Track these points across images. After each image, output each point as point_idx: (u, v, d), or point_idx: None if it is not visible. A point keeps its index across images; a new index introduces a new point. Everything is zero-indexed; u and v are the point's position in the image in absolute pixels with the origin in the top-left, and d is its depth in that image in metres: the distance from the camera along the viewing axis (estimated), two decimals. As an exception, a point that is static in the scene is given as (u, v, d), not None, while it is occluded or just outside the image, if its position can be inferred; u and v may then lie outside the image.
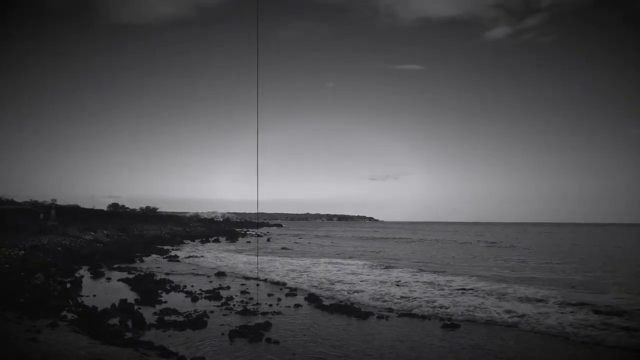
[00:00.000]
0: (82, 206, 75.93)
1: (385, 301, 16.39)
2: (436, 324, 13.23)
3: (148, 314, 13.31)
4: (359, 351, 10.65)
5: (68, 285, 17.88)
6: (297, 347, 10.88)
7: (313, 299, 16.74)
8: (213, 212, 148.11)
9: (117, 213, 78.41)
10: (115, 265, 25.74)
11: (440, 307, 15.02)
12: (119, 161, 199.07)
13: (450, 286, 19.19)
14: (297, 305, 15.69)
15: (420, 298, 16.52)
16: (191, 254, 35.22)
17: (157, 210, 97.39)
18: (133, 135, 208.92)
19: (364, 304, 16.10)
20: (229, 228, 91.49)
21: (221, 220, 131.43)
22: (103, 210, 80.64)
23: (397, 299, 16.60)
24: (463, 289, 18.38)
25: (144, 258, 31.11)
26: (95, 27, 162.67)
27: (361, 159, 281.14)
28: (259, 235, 74.57)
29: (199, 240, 56.58)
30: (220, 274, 23.63)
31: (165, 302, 15.59)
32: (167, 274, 23.29)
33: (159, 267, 26.32)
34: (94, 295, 16.29)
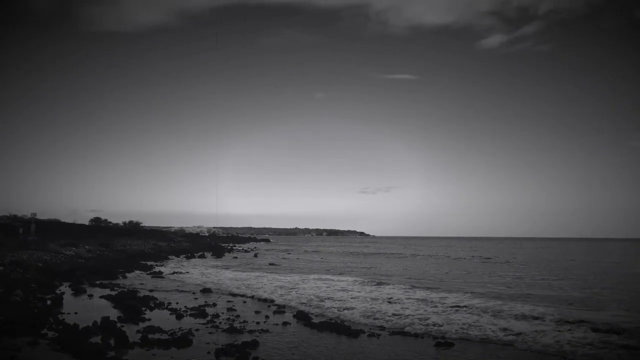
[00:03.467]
0: (63, 220, 74.67)
1: (376, 319, 15.97)
2: (429, 343, 12.86)
3: (131, 332, 12.86)
4: (351, 371, 10.26)
5: (49, 302, 17.29)
6: (287, 367, 10.48)
7: (302, 316, 16.28)
8: (199, 227, 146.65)
9: (99, 227, 77.03)
10: (97, 282, 25.00)
11: (434, 325, 14.64)
12: (101, 174, 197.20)
13: (444, 303, 18.83)
14: (285, 323, 15.25)
15: (413, 315, 16.14)
16: (176, 270, 34.44)
17: (141, 225, 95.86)
18: (116, 148, 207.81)
19: (354, 322, 15.68)
20: (215, 243, 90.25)
21: (207, 235, 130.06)
22: (85, 224, 79.25)
23: (389, 316, 16.20)
24: (457, 306, 18.03)
25: (126, 274, 30.31)
26: (75, 36, 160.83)
27: (351, 171, 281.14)
28: (246, 251, 73.74)
29: (184, 255, 55.56)
30: (206, 291, 23.05)
31: (149, 319, 15.08)
32: (151, 290, 22.64)
33: (142, 284, 25.62)
34: (76, 313, 15.73)
